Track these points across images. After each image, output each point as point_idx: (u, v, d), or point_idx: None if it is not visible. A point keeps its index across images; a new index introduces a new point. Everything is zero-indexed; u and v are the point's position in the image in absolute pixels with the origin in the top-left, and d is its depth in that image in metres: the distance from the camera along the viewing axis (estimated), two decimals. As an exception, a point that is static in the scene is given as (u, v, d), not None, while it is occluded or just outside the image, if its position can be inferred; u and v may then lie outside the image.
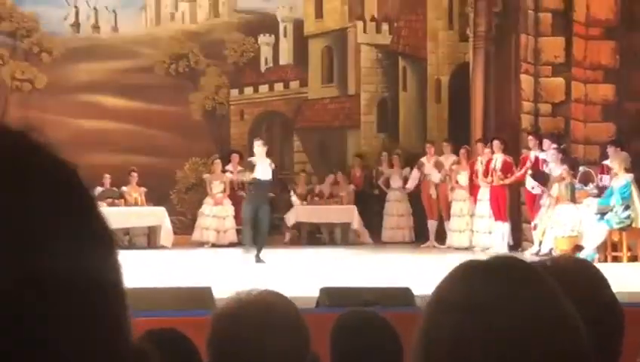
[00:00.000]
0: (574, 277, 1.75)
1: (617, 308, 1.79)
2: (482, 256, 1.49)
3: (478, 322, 1.30)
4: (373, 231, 20.22)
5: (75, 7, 21.79)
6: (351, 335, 2.66)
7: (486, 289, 1.34)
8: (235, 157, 20.39)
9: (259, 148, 15.60)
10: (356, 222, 20.10)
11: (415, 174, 19.94)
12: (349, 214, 20.13)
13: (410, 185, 19.97)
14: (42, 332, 0.71)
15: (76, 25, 21.88)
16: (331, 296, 7.63)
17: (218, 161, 20.04)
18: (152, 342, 2.47)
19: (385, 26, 22.75)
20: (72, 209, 0.76)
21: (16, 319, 0.70)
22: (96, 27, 22.02)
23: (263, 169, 15.24)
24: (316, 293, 8.08)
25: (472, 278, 1.37)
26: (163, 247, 18.64)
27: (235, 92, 22.51)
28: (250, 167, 15.42)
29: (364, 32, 22.73)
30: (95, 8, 21.90)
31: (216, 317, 1.94)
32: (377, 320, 2.83)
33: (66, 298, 0.73)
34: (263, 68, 22.78)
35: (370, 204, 20.65)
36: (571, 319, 1.34)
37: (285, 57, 22.89)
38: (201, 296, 7.16)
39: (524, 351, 1.28)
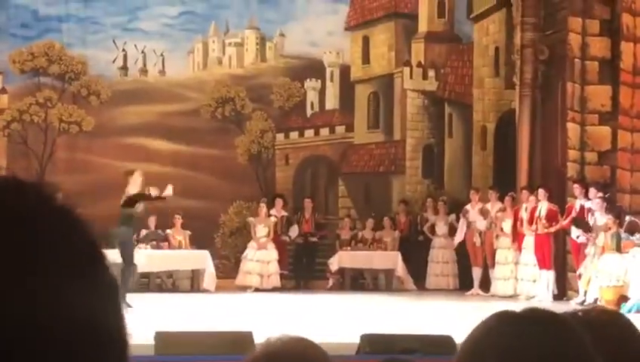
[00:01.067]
0: (605, 328, 1.73)
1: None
2: (519, 306, 1.49)
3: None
4: (418, 277, 20.11)
5: (124, 50, 22.04)
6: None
7: (518, 341, 1.34)
8: (279, 201, 20.45)
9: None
10: (400, 269, 20.00)
11: (462, 223, 19.84)
12: (393, 260, 20.03)
13: (459, 236, 19.85)
14: None
15: (124, 68, 22.13)
16: (372, 343, 7.58)
17: (262, 205, 20.07)
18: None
19: (431, 73, 22.77)
20: (77, 259, 0.77)
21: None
22: (143, 70, 22.25)
23: None
24: (357, 340, 8.03)
25: (505, 329, 1.36)
26: (206, 291, 18.65)
27: (280, 136, 22.59)
28: None
29: (411, 77, 22.76)
30: (143, 52, 22.14)
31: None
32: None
33: (65, 344, 0.72)
34: (308, 112, 22.86)
35: (415, 250, 20.55)
36: None
37: (331, 102, 22.96)
38: (242, 341, 7.13)
39: None
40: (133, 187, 15.15)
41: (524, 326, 1.38)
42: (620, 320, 1.84)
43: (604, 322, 1.77)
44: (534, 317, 1.41)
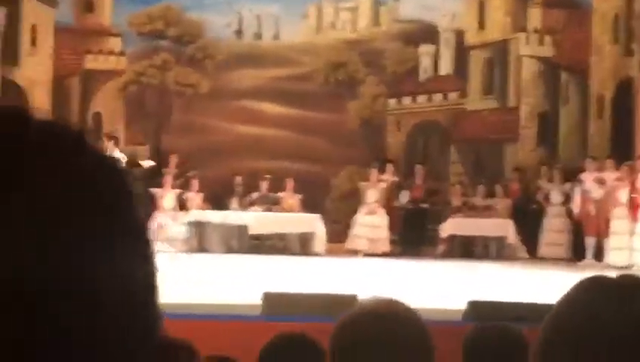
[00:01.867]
0: None
1: None
2: (610, 273, 1.45)
3: (599, 341, 1.25)
4: (530, 246, 19.88)
5: (239, 14, 22.21)
6: (481, 348, 2.61)
7: (608, 309, 1.30)
8: (390, 167, 20.43)
9: None
10: (512, 236, 19.80)
11: (577, 192, 19.52)
12: (504, 228, 19.84)
13: (575, 206, 19.53)
14: (66, 326, 0.71)
15: (239, 32, 22.30)
16: (479, 310, 7.53)
17: (374, 170, 20.08)
18: (283, 345, 2.50)
19: (548, 39, 22.37)
20: (109, 206, 0.76)
21: (40, 315, 0.70)
22: (258, 34, 22.40)
23: None
24: (464, 306, 8.00)
25: (595, 297, 1.32)
26: (316, 254, 18.77)
27: (392, 101, 22.52)
28: None
29: (527, 43, 22.41)
30: (258, 16, 22.28)
31: (338, 325, 1.94)
32: (511, 334, 2.75)
33: (94, 297, 0.73)
34: (421, 78, 22.72)
35: (528, 218, 20.32)
36: None
37: (445, 68, 22.77)
38: (346, 304, 7.17)
39: None
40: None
41: (614, 291, 1.33)
42: None
43: None
44: (627, 283, 1.37)
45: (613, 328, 1.28)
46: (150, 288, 0.79)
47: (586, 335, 1.27)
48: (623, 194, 18.50)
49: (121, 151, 15.86)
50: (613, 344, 1.27)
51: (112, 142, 15.73)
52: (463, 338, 2.89)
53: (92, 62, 21.57)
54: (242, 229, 18.89)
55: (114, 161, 0.79)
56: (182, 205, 19.40)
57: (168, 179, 19.42)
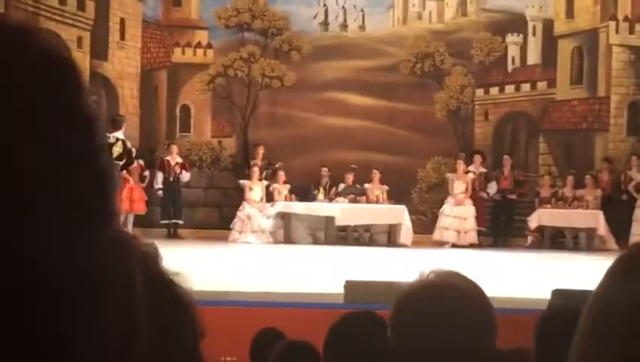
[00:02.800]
0: None
1: None
2: None
3: None
4: (620, 237, 19.55)
5: (325, 6, 22.23)
6: (553, 331, 2.57)
7: None
8: (477, 157, 20.28)
9: None
10: (602, 228, 19.52)
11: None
12: (594, 219, 19.57)
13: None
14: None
15: (325, 24, 22.32)
16: (564, 299, 7.43)
17: (461, 161, 19.97)
18: (351, 320, 2.51)
19: (639, 27, 21.96)
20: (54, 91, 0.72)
21: None
22: (344, 26, 22.40)
23: None
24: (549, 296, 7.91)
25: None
26: (403, 245, 18.72)
27: (480, 92, 22.33)
28: None
29: (617, 32, 22.03)
30: (343, 7, 22.27)
31: (398, 297, 1.93)
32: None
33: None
34: (509, 68, 22.49)
35: (619, 209, 20.00)
36: None
37: (533, 57, 22.50)
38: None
39: None
40: None
41: None
42: None
43: None
44: None
45: None
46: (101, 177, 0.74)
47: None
48: None
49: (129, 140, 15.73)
50: None
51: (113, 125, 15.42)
52: (538, 319, 2.86)
53: (180, 56, 21.81)
54: (329, 220, 18.94)
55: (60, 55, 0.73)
56: (269, 197, 19.52)
57: (255, 171, 19.55)
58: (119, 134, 15.30)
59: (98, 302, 0.72)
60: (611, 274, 1.21)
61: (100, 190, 0.73)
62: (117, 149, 14.94)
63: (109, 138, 14.48)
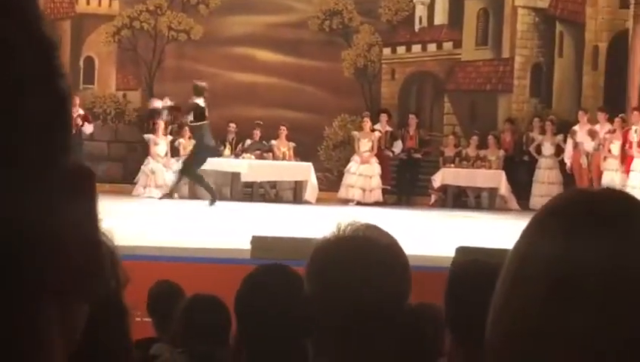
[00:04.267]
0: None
1: None
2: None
3: (574, 279, 1.14)
4: (521, 197, 19.92)
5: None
6: (465, 284, 2.61)
7: (584, 241, 1.15)
8: (384, 116, 20.40)
9: None
10: (504, 188, 19.85)
11: (569, 144, 19.54)
12: (496, 179, 19.88)
13: (567, 158, 19.56)
14: None
15: (234, -23, 22.10)
16: (468, 256, 7.54)
17: (367, 119, 20.06)
18: (264, 272, 2.51)
19: (544, -10, 22.25)
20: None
21: None
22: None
23: None
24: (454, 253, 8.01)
25: (567, 227, 1.17)
26: (308, 203, 18.80)
27: (387, 51, 22.40)
28: None
29: (522, -6, 22.27)
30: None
31: (315, 249, 1.93)
32: (497, 270, 2.72)
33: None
34: (416, 27, 22.58)
35: (520, 170, 20.36)
36: None
37: (440, 17, 22.63)
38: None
39: (626, 309, 1.15)
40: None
41: (590, 222, 1.16)
42: None
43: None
44: (608, 209, 1.17)
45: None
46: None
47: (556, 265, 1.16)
48: (615, 147, 18.52)
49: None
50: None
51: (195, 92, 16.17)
52: (449, 272, 2.89)
53: (84, 6, 21.37)
54: (234, 176, 18.90)
55: None
56: (174, 152, 19.38)
57: (160, 126, 19.38)
58: (201, 101, 16.18)
59: (62, 241, 0.69)
60: (529, 230, 1.22)
61: (59, 117, 0.70)
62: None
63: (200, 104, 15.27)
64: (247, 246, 7.94)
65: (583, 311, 1.14)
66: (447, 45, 22.56)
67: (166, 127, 19.49)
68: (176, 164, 18.89)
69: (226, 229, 12.15)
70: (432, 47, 22.58)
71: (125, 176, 20.14)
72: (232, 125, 19.87)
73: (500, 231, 14.11)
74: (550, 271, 1.16)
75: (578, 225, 1.18)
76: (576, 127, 19.58)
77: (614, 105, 19.41)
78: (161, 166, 19.05)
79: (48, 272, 0.68)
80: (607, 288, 1.14)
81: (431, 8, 22.55)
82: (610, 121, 18.92)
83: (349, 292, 1.85)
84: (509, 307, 1.19)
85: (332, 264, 1.88)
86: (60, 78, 0.71)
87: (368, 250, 1.88)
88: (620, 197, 1.22)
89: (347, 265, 1.87)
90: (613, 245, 1.16)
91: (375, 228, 1.95)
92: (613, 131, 18.74)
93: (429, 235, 12.34)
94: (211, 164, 18.90)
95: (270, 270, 2.50)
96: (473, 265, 2.80)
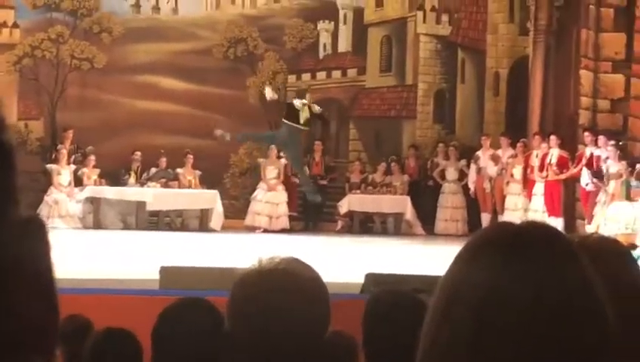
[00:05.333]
0: (601, 254, 1.70)
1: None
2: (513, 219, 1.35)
3: (502, 307, 1.20)
4: (426, 222, 20.11)
5: (137, -13, 21.89)
6: (382, 314, 2.62)
7: (510, 271, 1.22)
8: (289, 143, 20.41)
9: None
10: (409, 213, 20.01)
11: (472, 169, 19.81)
12: (402, 204, 20.04)
13: (470, 182, 19.84)
14: None
15: (137, 5, 21.98)
16: (377, 283, 7.59)
17: (273, 147, 20.06)
18: (181, 307, 2.49)
19: (445, 17, 22.58)
20: None
21: None
22: (156, 8, 22.11)
23: None
24: (363, 280, 8.05)
25: (494, 258, 1.24)
26: (213, 231, 18.71)
27: (292, 78, 22.49)
28: None
29: (424, 22, 22.57)
30: (156, -10, 22.00)
31: (236, 283, 1.92)
32: (413, 300, 2.76)
33: None
34: (321, 54, 22.73)
35: (425, 195, 20.56)
36: (599, 306, 1.25)
37: (344, 45, 22.82)
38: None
39: (549, 341, 1.19)
40: None
41: (509, 253, 1.23)
42: (618, 248, 1.81)
43: (601, 248, 1.74)
44: (526, 238, 1.26)
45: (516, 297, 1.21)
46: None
47: (485, 299, 1.22)
48: (518, 171, 18.84)
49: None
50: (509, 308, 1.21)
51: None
52: (365, 304, 2.90)
53: (-16, 35, 21.04)
54: (140, 205, 18.72)
55: None
56: (78, 181, 19.12)
57: (64, 155, 19.12)
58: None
59: (13, 287, 0.68)
60: (458, 262, 1.25)
61: (4, 170, 0.69)
62: (304, 114, 15.69)
63: (297, 105, 15.43)
64: (156, 276, 7.86)
65: (509, 343, 1.17)
66: (352, 72, 22.75)
67: (69, 157, 19.24)
68: (81, 194, 18.65)
69: (132, 259, 12.02)
70: (336, 74, 22.74)
71: (28, 207, 19.74)
72: (137, 153, 19.70)
73: (407, 256, 14.24)
74: (478, 302, 1.19)
75: (505, 258, 1.24)
76: (479, 153, 19.87)
77: (516, 130, 19.75)
78: (64, 196, 18.78)
79: (5, 323, 0.66)
80: (532, 318, 1.18)
81: (335, 36, 22.72)
82: (513, 145, 19.25)
83: (271, 326, 1.85)
84: (440, 336, 1.22)
85: (254, 298, 1.88)
86: (3, 132, 0.70)
87: (290, 283, 1.88)
88: (544, 230, 1.29)
89: (269, 299, 1.87)
90: (537, 277, 1.20)
91: (296, 261, 1.95)
92: (515, 156, 19.06)
93: (336, 262, 12.36)
94: (116, 192, 18.72)
95: (188, 304, 2.48)
96: (390, 293, 2.82)
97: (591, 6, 17.90)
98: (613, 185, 16.03)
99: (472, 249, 1.29)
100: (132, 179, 19.40)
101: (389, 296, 2.81)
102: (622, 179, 15.89)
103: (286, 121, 15.88)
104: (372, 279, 7.73)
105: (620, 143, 16.79)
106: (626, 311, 1.63)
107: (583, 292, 1.25)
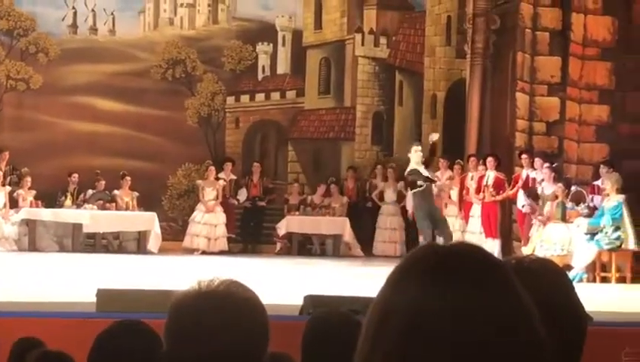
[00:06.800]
0: (537, 276, 1.72)
1: (579, 312, 1.76)
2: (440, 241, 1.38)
3: (428, 328, 1.22)
4: (365, 244, 20.16)
5: (74, 8, 21.75)
6: (321, 334, 2.62)
7: (433, 295, 1.24)
8: (228, 165, 20.39)
9: (417, 152, 15.93)
10: (348, 235, 20.04)
11: (410, 191, 19.89)
12: (340, 226, 20.07)
13: (408, 205, 19.90)
14: None
15: (74, 26, 21.85)
16: (315, 304, 7.58)
17: (212, 168, 20.02)
18: (119, 330, 2.47)
19: (383, 40, 22.75)
20: None
21: None
22: (93, 29, 21.99)
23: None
24: (301, 302, 8.04)
25: (420, 279, 1.26)
26: (150, 253, 18.58)
27: (231, 99, 22.48)
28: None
29: (362, 44, 22.73)
30: (93, 10, 21.87)
31: (174, 306, 1.92)
32: (351, 322, 2.78)
33: None
34: (260, 76, 22.75)
35: (363, 216, 20.61)
36: (529, 326, 1.26)
37: (283, 67, 22.87)
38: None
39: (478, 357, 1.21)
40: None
41: (434, 275, 1.25)
42: (554, 268, 1.84)
43: (536, 270, 1.76)
44: (451, 260, 1.27)
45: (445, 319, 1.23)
46: None
47: (413, 320, 1.24)
48: (454, 193, 18.97)
49: None
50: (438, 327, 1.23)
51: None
52: (304, 326, 2.91)
53: None
54: (76, 227, 18.54)
55: None
56: (13, 203, 18.88)
57: (-1, 176, 18.88)
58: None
59: None
60: (388, 284, 1.27)
61: None
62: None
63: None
64: (92, 299, 7.79)
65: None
66: (291, 94, 22.81)
67: (4, 178, 19.00)
68: (16, 216, 18.42)
69: (69, 282, 11.89)
70: (275, 96, 22.78)
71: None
72: (74, 175, 19.52)
73: (346, 278, 14.24)
74: (405, 324, 1.21)
75: (430, 280, 1.26)
76: (416, 174, 19.96)
77: (453, 152, 19.91)
78: (-1, 218, 18.53)
79: None
80: (456, 341, 1.20)
81: (274, 57, 22.78)
82: (450, 167, 19.39)
83: (210, 348, 1.84)
84: (372, 359, 1.23)
85: (191, 320, 1.87)
86: None
87: (228, 305, 1.88)
88: (471, 252, 1.30)
89: (207, 321, 1.87)
90: (462, 299, 1.22)
91: (235, 283, 1.95)
92: (452, 178, 19.20)
93: (275, 283, 12.34)
94: (52, 214, 18.53)
95: (125, 327, 2.47)
96: (329, 314, 2.83)
97: (527, 30, 18.14)
98: (548, 207, 16.20)
99: (400, 271, 1.30)
100: (69, 201, 19.21)
101: (328, 317, 2.82)
102: (557, 201, 16.07)
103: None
104: (311, 301, 7.72)
105: (554, 165, 16.99)
106: (563, 333, 1.66)
107: (512, 314, 1.26)
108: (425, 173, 15.59)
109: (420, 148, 15.77)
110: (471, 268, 1.27)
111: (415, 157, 15.83)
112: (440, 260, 1.28)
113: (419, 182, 15.51)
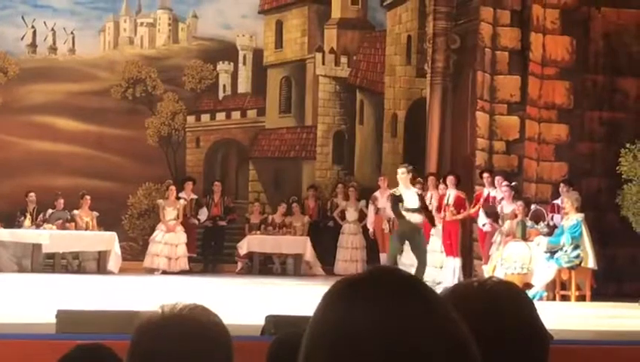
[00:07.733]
0: (500, 297, 1.73)
1: (541, 331, 1.76)
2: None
3: (352, 350, 1.25)
4: (326, 263, 20.16)
5: (33, 27, 21.64)
6: (285, 356, 2.61)
7: (358, 314, 1.29)
8: (189, 184, 20.34)
9: (403, 175, 15.18)
10: (309, 254, 20.04)
11: (370, 209, 19.93)
12: (301, 245, 20.07)
13: (368, 222, 19.93)
14: None
15: (33, 45, 21.74)
16: (277, 324, 7.55)
17: (172, 188, 19.95)
18: (80, 356, 2.44)
19: (344, 59, 22.83)
20: None
21: None
22: (53, 48, 21.88)
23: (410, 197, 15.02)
24: (263, 322, 8.00)
25: (346, 301, 1.32)
26: (111, 273, 18.47)
27: (191, 118, 22.44)
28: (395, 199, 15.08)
29: (323, 64, 22.79)
30: (53, 29, 21.77)
31: (138, 330, 1.90)
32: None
33: None
34: (220, 95, 22.74)
35: (324, 235, 20.62)
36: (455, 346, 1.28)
37: (243, 86, 22.87)
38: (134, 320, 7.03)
39: None
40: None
41: (362, 299, 1.31)
42: (515, 289, 1.84)
43: (498, 291, 1.77)
44: (376, 285, 1.33)
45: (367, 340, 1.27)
46: None
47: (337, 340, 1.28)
48: (415, 212, 18.99)
49: None
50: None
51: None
52: (268, 347, 2.90)
53: None
54: (35, 248, 18.39)
55: None
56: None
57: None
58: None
59: None
60: (319, 306, 1.33)
61: None
62: None
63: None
64: (52, 320, 7.71)
65: None
66: (252, 113, 22.80)
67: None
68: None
69: (28, 303, 11.77)
70: (236, 115, 22.77)
71: None
72: (32, 195, 19.37)
73: (306, 298, 14.23)
74: (330, 344, 1.28)
75: (352, 301, 1.33)
76: (377, 193, 20.01)
77: (414, 171, 19.95)
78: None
79: None
80: (383, 349, 1.23)
81: (234, 77, 22.78)
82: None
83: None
84: None
85: (155, 344, 1.86)
86: None
87: (192, 329, 1.87)
88: (394, 270, 1.40)
89: (171, 345, 1.86)
90: (381, 320, 1.29)
91: (199, 306, 1.94)
92: (413, 196, 19.22)
93: (236, 303, 12.30)
94: (11, 235, 18.37)
95: (84, 352, 2.44)
96: (293, 335, 2.83)
97: (487, 49, 18.26)
98: (508, 226, 16.29)
99: (330, 292, 1.37)
100: (27, 221, 19.06)
101: (291, 338, 2.81)
102: (517, 220, 16.16)
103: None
104: (273, 321, 7.69)
105: (513, 184, 17.08)
106: (527, 352, 1.66)
107: (436, 326, 1.29)
108: (413, 203, 15.07)
109: (404, 170, 15.26)
110: (393, 286, 1.33)
111: (402, 180, 15.29)
112: (364, 278, 1.36)
113: (404, 214, 15.00)
